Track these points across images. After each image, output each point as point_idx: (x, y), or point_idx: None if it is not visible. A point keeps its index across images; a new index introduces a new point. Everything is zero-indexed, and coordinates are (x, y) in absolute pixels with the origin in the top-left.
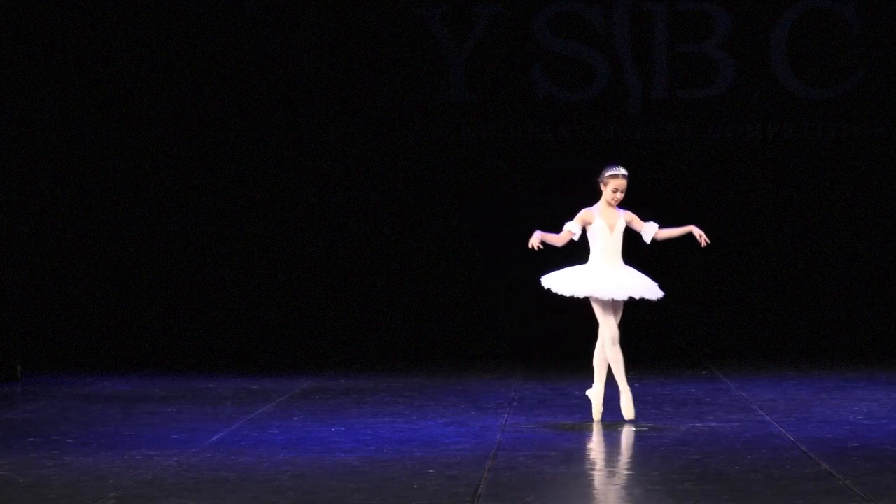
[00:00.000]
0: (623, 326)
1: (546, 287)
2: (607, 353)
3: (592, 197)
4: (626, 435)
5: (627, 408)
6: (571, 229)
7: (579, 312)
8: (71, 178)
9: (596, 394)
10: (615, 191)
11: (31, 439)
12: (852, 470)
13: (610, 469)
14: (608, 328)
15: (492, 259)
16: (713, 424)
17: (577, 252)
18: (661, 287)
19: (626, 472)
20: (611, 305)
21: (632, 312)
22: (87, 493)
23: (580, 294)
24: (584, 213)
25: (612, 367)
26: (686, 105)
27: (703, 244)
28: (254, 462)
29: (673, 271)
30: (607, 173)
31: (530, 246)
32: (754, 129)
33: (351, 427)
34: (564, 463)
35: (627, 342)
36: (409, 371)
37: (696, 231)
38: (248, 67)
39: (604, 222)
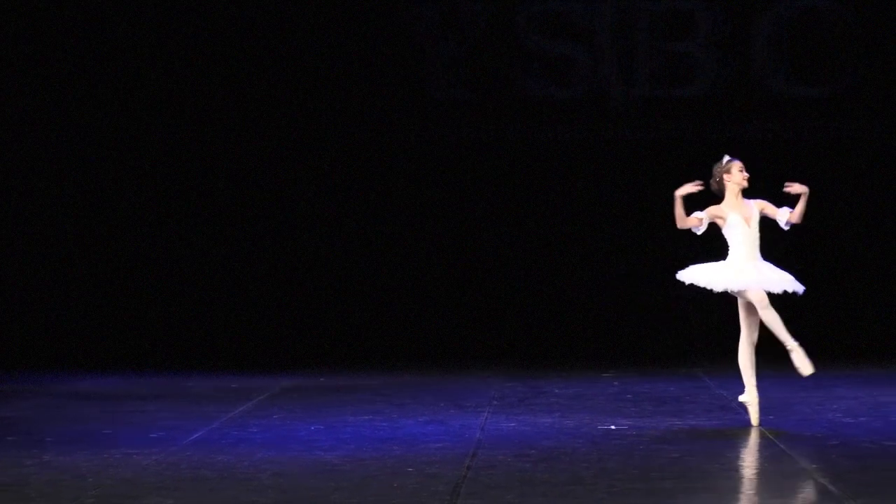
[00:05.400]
0: (604, 324)
1: (690, 282)
2: (763, 316)
3: (581, 195)
4: (606, 433)
5: (803, 363)
6: (700, 216)
7: (565, 313)
8: (50, 175)
9: (751, 398)
10: (741, 170)
11: (9, 438)
12: (832, 468)
13: (590, 467)
14: (758, 296)
15: (473, 258)
16: (693, 423)
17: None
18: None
19: (606, 471)
20: (750, 306)
21: (613, 311)
22: (66, 492)
23: (735, 287)
24: (713, 209)
25: (773, 328)
26: (669, 103)
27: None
28: (233, 461)
29: (655, 269)
30: (724, 162)
31: (684, 192)
32: (737, 129)
33: (331, 425)
34: (544, 461)
35: (608, 340)
36: (388, 369)
37: (800, 188)
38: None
39: (739, 216)
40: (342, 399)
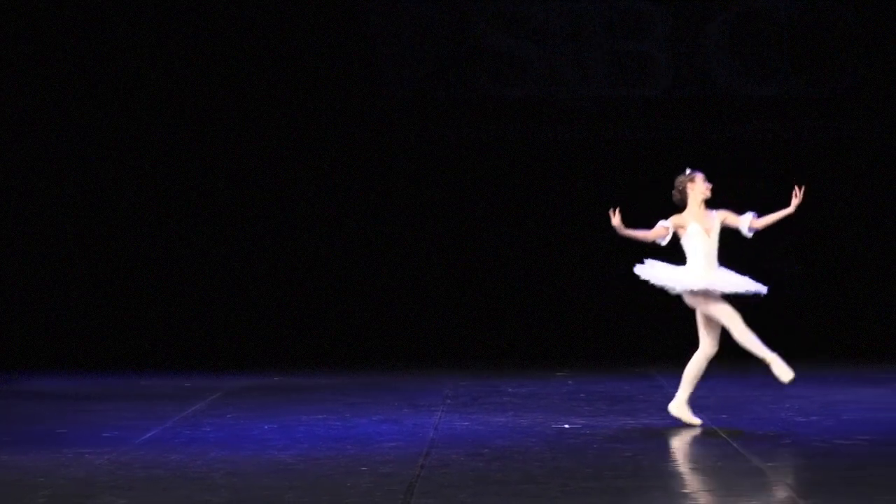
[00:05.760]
0: (560, 323)
1: (651, 282)
2: (740, 338)
3: (541, 196)
4: (560, 432)
5: (783, 371)
6: (666, 225)
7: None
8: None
9: (681, 413)
10: (705, 180)
11: None
12: (784, 466)
13: (544, 466)
14: (726, 311)
15: (427, 259)
16: (647, 422)
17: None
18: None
19: (559, 470)
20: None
21: (566, 311)
22: (18, 491)
23: (697, 287)
24: (675, 218)
25: (747, 343)
26: (625, 103)
27: (798, 197)
28: (187, 460)
29: (608, 268)
30: (686, 174)
31: (617, 222)
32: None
33: (284, 425)
34: (498, 460)
35: (562, 339)
36: (342, 369)
37: (794, 205)
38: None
39: (699, 226)
40: (296, 398)
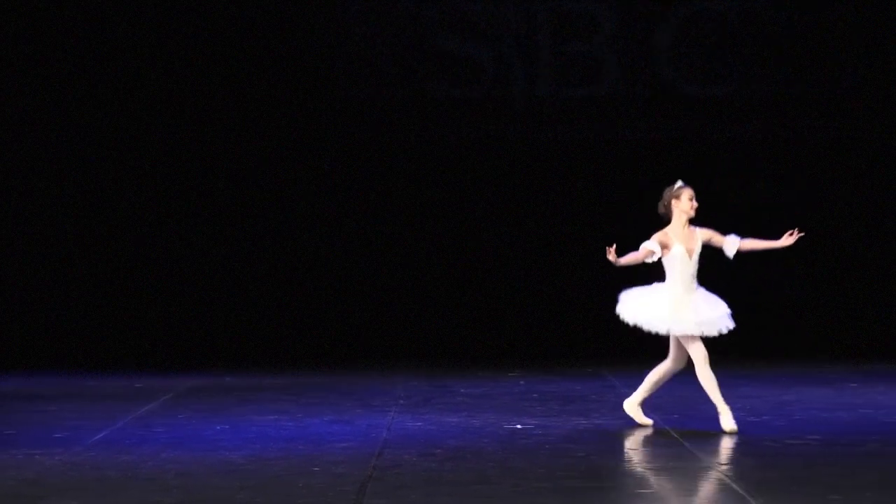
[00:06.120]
0: (510, 323)
1: (624, 320)
2: (700, 373)
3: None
4: (512, 432)
5: (728, 423)
6: (652, 248)
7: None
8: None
9: (636, 414)
10: (691, 199)
11: None
12: (735, 466)
13: (496, 466)
14: (698, 350)
15: (383, 256)
16: (598, 421)
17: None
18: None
19: (512, 470)
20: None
21: (518, 311)
22: None
23: (663, 331)
24: (661, 236)
25: (706, 386)
26: (571, 103)
27: (796, 239)
28: (138, 460)
29: (561, 270)
30: (675, 187)
31: (612, 260)
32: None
33: (236, 425)
34: (450, 461)
35: (514, 339)
36: (295, 369)
37: (784, 244)
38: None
39: (682, 248)
40: (248, 399)
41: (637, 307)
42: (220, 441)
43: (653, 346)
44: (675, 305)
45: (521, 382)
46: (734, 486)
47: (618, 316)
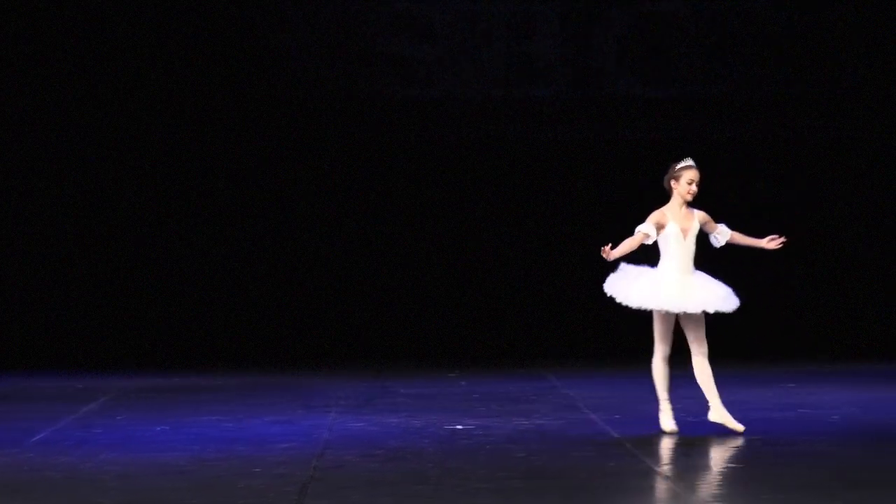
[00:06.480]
0: (452, 323)
1: (609, 295)
2: (654, 367)
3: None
4: (453, 433)
5: (667, 421)
6: (647, 231)
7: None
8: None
9: (667, 421)
10: (690, 182)
11: None
12: (675, 466)
13: (437, 467)
14: (664, 344)
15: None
16: (539, 422)
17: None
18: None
19: (452, 470)
20: (672, 320)
21: (462, 311)
22: None
23: (649, 307)
24: (657, 216)
25: (656, 381)
26: (521, 103)
27: (779, 244)
28: (77, 461)
29: (499, 270)
30: (679, 166)
31: (607, 256)
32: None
33: (176, 426)
34: (391, 461)
35: (452, 338)
36: (235, 370)
37: (768, 245)
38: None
39: (677, 227)
40: (188, 399)
41: (624, 284)
42: (160, 442)
43: (594, 344)
44: (667, 283)
45: (462, 383)
46: (676, 487)
47: (613, 299)
